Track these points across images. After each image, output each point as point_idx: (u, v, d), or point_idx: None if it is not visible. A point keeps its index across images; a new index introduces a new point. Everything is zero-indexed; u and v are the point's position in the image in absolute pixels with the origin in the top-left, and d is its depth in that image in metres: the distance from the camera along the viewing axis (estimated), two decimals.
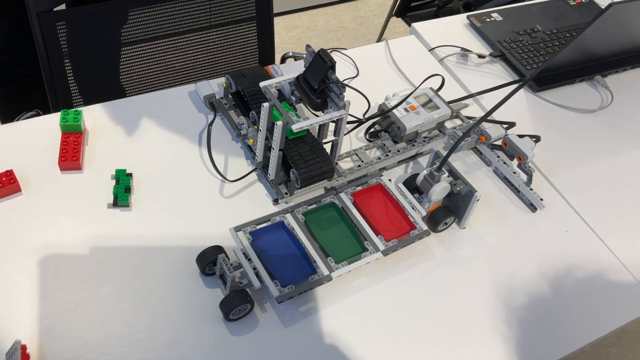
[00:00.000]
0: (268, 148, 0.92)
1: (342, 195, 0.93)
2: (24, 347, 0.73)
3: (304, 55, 0.89)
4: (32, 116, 1.01)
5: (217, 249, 0.83)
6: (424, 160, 1.06)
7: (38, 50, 1.14)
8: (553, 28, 1.37)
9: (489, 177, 1.05)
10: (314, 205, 0.91)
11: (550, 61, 1.20)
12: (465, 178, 0.93)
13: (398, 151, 1.02)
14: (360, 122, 1.06)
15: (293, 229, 0.87)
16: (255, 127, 0.98)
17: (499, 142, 1.04)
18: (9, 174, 0.89)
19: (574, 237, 0.98)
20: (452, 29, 1.35)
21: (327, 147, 0.97)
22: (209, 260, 0.82)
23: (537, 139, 1.09)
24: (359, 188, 0.94)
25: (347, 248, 0.87)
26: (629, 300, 0.91)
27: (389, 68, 1.22)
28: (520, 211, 1.00)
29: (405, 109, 1.03)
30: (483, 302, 0.88)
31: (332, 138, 0.94)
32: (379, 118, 1.05)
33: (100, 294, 0.81)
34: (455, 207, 0.95)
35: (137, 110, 1.04)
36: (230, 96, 1.05)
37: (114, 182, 0.93)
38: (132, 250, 0.86)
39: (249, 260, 0.82)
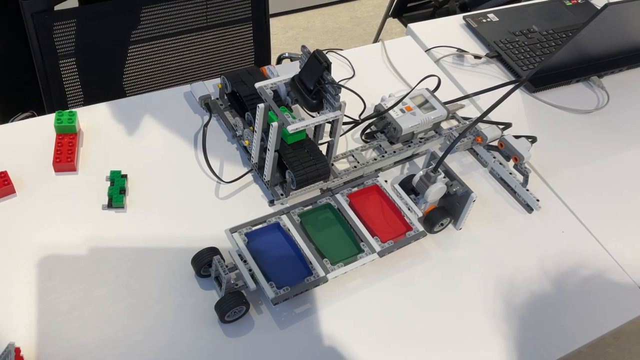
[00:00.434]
0: (264, 149, 0.92)
1: (338, 196, 0.92)
2: (17, 350, 0.73)
3: (300, 56, 0.89)
4: (26, 117, 1.01)
5: (213, 251, 0.83)
6: (420, 161, 1.06)
7: (33, 51, 1.14)
8: (549, 29, 1.37)
9: (485, 178, 1.05)
10: (310, 207, 0.91)
11: (546, 62, 1.20)
12: (461, 179, 0.92)
13: (394, 152, 1.02)
14: (356, 123, 1.06)
15: (289, 230, 0.87)
16: (251, 128, 0.97)
17: (495, 143, 1.04)
18: (3, 175, 0.88)
19: (570, 238, 0.98)
20: (449, 30, 1.35)
21: (323, 148, 0.97)
22: (204, 262, 0.82)
23: (533, 139, 1.09)
24: (355, 189, 0.94)
25: (343, 249, 0.87)
26: (626, 301, 0.91)
27: (385, 69, 1.22)
28: (516, 212, 1.00)
29: (402, 110, 1.02)
30: (479, 303, 0.87)
31: (328, 139, 0.94)
32: (375, 119, 1.05)
33: (95, 296, 0.81)
34: (451, 208, 0.95)
35: (132, 111, 1.04)
36: (225, 97, 1.04)
37: (108, 183, 0.93)
38: (127, 252, 0.86)
39: (245, 261, 0.82)
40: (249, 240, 0.85)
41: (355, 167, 0.98)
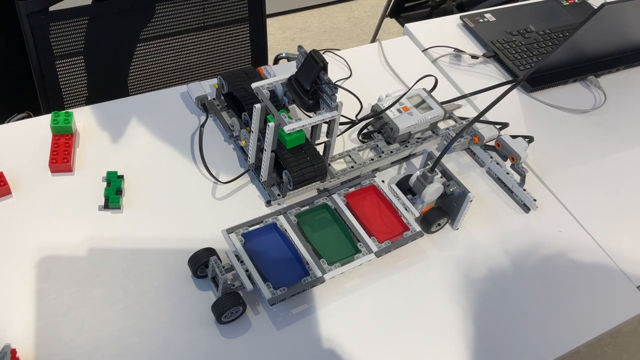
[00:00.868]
0: (260, 149, 0.92)
1: (335, 196, 0.92)
2: (13, 351, 0.72)
3: (297, 56, 0.89)
4: (23, 118, 1.01)
5: (209, 251, 0.83)
6: (417, 161, 1.05)
7: (28, 52, 1.14)
8: (546, 28, 1.37)
9: (482, 178, 1.05)
10: (307, 207, 0.91)
11: (543, 61, 1.20)
12: (458, 179, 0.92)
13: (391, 152, 1.02)
14: (353, 123, 1.06)
15: (285, 230, 0.87)
16: (248, 128, 0.97)
17: (492, 143, 1.04)
18: None
19: (568, 238, 0.98)
20: (446, 30, 1.35)
21: (320, 149, 0.97)
22: (201, 263, 0.82)
23: (530, 139, 1.09)
24: (352, 189, 0.94)
25: (340, 250, 0.87)
26: (623, 301, 0.91)
27: (382, 69, 1.22)
28: (513, 212, 1.00)
29: (398, 110, 1.02)
30: (476, 303, 0.87)
31: (325, 139, 0.93)
32: (372, 119, 1.05)
33: (92, 297, 0.80)
34: (448, 208, 0.95)
35: (129, 112, 1.04)
36: (222, 97, 1.04)
37: (105, 184, 0.92)
38: (124, 253, 0.85)
39: (241, 262, 0.82)
40: (246, 241, 0.85)
41: (352, 167, 0.98)
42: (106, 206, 0.89)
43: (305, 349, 0.80)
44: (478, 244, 0.95)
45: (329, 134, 0.92)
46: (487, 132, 1.03)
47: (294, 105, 1.06)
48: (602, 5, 1.08)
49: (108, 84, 1.28)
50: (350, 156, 1.01)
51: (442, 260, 0.92)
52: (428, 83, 1.19)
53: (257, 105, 0.86)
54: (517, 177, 1.02)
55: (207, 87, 1.09)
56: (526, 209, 1.00)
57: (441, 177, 0.92)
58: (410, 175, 0.94)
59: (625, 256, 0.97)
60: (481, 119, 1.08)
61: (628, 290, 0.93)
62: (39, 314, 0.78)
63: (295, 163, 0.89)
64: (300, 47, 0.87)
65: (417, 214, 0.92)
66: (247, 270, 0.81)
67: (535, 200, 0.99)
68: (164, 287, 0.83)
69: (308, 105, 0.86)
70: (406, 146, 1.03)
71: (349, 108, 1.12)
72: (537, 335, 0.85)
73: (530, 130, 1.15)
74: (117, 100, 1.05)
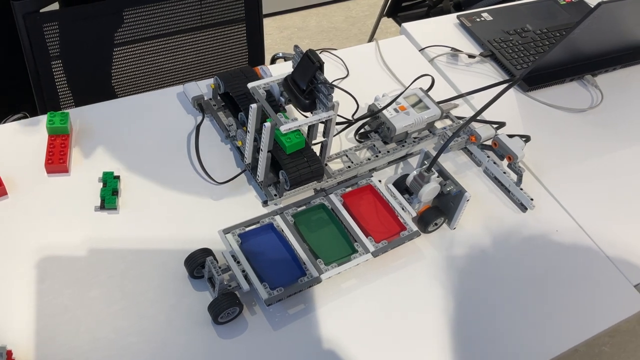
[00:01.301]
0: (257, 149, 0.92)
1: (332, 196, 0.92)
2: (9, 353, 0.72)
3: (293, 56, 0.89)
4: (19, 118, 1.00)
5: (206, 252, 0.83)
6: (414, 161, 1.05)
7: (24, 52, 1.13)
8: (543, 27, 1.37)
9: (479, 177, 1.05)
10: (304, 207, 0.91)
11: (540, 61, 1.19)
12: (454, 178, 0.92)
13: (388, 152, 1.01)
14: (349, 123, 1.06)
15: (282, 230, 0.87)
16: (244, 128, 0.97)
17: (489, 142, 1.04)
18: None
19: (565, 237, 0.98)
20: (443, 29, 1.35)
21: (317, 148, 0.96)
22: (197, 263, 0.81)
23: (527, 138, 1.09)
24: (349, 189, 0.94)
25: (337, 250, 0.87)
26: (621, 300, 0.91)
27: (379, 68, 1.22)
28: (510, 211, 1.00)
29: (395, 110, 1.02)
30: (473, 303, 0.87)
31: (322, 139, 0.93)
32: (368, 119, 1.05)
33: (89, 298, 0.80)
34: (445, 208, 0.95)
35: (125, 112, 1.04)
36: (218, 97, 1.04)
37: (101, 184, 0.92)
38: (120, 254, 0.85)
39: (238, 262, 0.82)
40: (243, 241, 0.85)
41: (349, 167, 0.98)
42: (102, 207, 0.89)
43: (302, 349, 0.79)
44: (475, 244, 0.95)
45: (325, 133, 0.92)
46: (484, 132, 1.03)
47: (291, 105, 1.06)
48: (599, 5, 1.08)
49: (104, 84, 1.27)
50: (347, 156, 1.00)
51: (439, 259, 0.92)
52: (425, 82, 1.19)
53: (253, 106, 0.86)
54: (514, 177, 1.02)
55: (204, 87, 1.09)
56: (523, 208, 1.00)
57: (438, 177, 0.92)
58: (407, 175, 0.94)
59: (623, 255, 0.97)
60: (478, 118, 1.08)
61: (625, 289, 0.93)
62: (35, 315, 0.78)
63: (292, 163, 0.89)
64: (296, 46, 0.86)
65: (414, 214, 0.92)
66: (243, 271, 0.81)
67: (532, 199, 0.99)
68: (160, 288, 0.82)
69: (304, 105, 0.86)
70: (403, 146, 1.03)
71: (345, 108, 1.12)
72: (535, 334, 0.85)
73: (527, 130, 1.15)
74: (114, 101, 1.05)
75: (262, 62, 1.43)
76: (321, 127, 0.94)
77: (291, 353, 0.79)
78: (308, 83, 0.84)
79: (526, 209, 1.00)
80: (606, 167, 1.11)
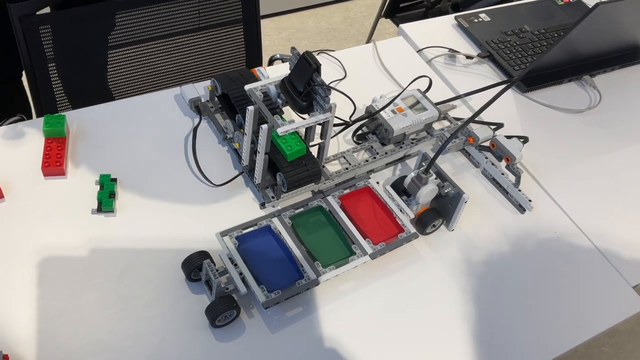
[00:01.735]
0: (254, 151, 0.91)
1: (330, 198, 0.92)
2: (5, 357, 0.72)
3: (290, 58, 0.88)
4: (15, 121, 1.00)
5: (203, 255, 0.82)
6: (412, 162, 1.05)
7: (21, 55, 1.13)
8: (541, 28, 1.37)
9: (478, 179, 1.04)
10: (301, 209, 0.91)
11: (538, 61, 1.19)
12: (452, 180, 0.92)
13: (386, 153, 1.01)
14: (347, 124, 1.06)
15: (280, 233, 0.86)
16: (242, 130, 0.97)
17: (487, 144, 1.04)
18: None
19: (563, 238, 0.98)
20: (440, 30, 1.35)
21: (314, 150, 0.96)
22: (195, 266, 0.81)
23: (525, 139, 1.08)
24: (347, 191, 0.94)
25: (335, 252, 0.87)
26: (619, 301, 0.91)
27: (377, 69, 1.22)
28: (508, 213, 1.00)
29: (393, 111, 1.02)
30: (472, 304, 0.87)
31: (319, 141, 0.93)
32: (366, 120, 1.05)
33: (85, 301, 0.80)
34: (443, 210, 0.94)
35: (122, 114, 1.03)
36: (216, 99, 1.04)
37: (98, 187, 0.92)
38: (117, 257, 0.85)
39: (235, 265, 0.82)
40: (240, 244, 0.85)
41: (346, 168, 0.98)
42: (99, 210, 0.89)
43: (299, 352, 0.79)
44: (473, 245, 0.94)
45: (322, 135, 0.92)
46: (482, 133, 1.02)
47: (288, 107, 1.06)
48: (597, 5, 1.07)
49: (102, 86, 1.27)
50: (344, 157, 1.00)
51: (437, 261, 0.91)
52: (423, 84, 1.19)
53: (250, 108, 0.86)
54: (512, 178, 1.02)
55: (201, 89, 1.09)
56: (521, 209, 1.00)
57: (436, 179, 0.92)
58: (405, 177, 0.94)
59: (621, 256, 0.97)
60: (476, 119, 1.07)
61: (624, 290, 0.92)
62: (31, 319, 0.77)
63: (290, 165, 0.89)
64: (293, 48, 0.86)
65: (412, 216, 0.92)
66: (241, 274, 0.80)
67: (530, 200, 0.98)
68: (157, 291, 0.82)
69: (301, 107, 0.86)
70: (401, 147, 1.03)
71: (343, 109, 1.11)
72: (533, 336, 0.85)
73: (525, 131, 1.15)
74: (110, 103, 1.05)
75: (260, 64, 1.43)
76: (318, 128, 0.94)
77: (289, 356, 0.79)
78: (305, 85, 0.84)
79: (524, 210, 1.00)
80: (605, 168, 1.11)
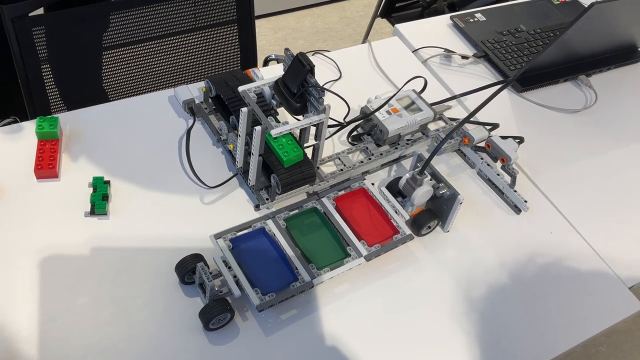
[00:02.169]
0: (248, 153, 0.91)
1: (324, 200, 0.91)
2: None
3: (284, 59, 0.88)
4: (8, 123, 0.99)
5: (197, 257, 0.82)
6: (407, 163, 1.05)
7: (14, 56, 1.12)
8: (537, 28, 1.37)
9: (473, 179, 1.04)
10: (296, 211, 0.90)
11: (533, 61, 1.19)
12: (447, 181, 0.92)
13: (381, 154, 1.01)
14: (341, 126, 1.05)
15: (274, 235, 0.86)
16: (236, 132, 0.96)
17: (483, 144, 1.03)
18: None
19: (559, 239, 0.97)
20: (436, 30, 1.35)
21: (309, 152, 0.96)
22: (188, 269, 0.81)
23: (520, 140, 1.08)
24: (342, 192, 0.93)
25: (329, 254, 0.86)
26: (615, 302, 0.91)
27: (372, 70, 1.21)
28: (504, 213, 1.00)
29: (388, 112, 1.02)
30: (468, 306, 0.87)
31: (314, 142, 0.93)
32: (361, 121, 1.04)
33: (78, 305, 0.79)
34: (438, 211, 0.94)
35: (116, 116, 1.03)
36: (210, 100, 1.03)
37: (91, 190, 0.91)
38: (110, 260, 0.84)
39: (229, 268, 0.81)
40: (234, 246, 0.84)
41: (341, 170, 0.97)
42: (92, 212, 0.88)
43: (294, 355, 0.79)
44: (469, 246, 0.94)
45: (317, 137, 0.91)
46: (477, 134, 1.02)
47: (283, 108, 1.05)
48: (592, 5, 1.07)
49: (95, 87, 1.27)
50: (339, 159, 1.00)
51: (432, 263, 0.91)
52: (418, 84, 1.18)
53: (244, 109, 0.85)
54: (508, 179, 1.01)
55: (195, 90, 1.08)
56: (517, 210, 1.00)
57: (431, 180, 0.92)
58: (400, 178, 0.93)
59: (617, 257, 0.97)
60: (471, 120, 1.07)
61: (620, 291, 0.92)
62: (23, 323, 0.77)
63: (284, 167, 0.88)
64: (287, 49, 0.86)
65: (407, 217, 0.91)
66: (235, 276, 0.80)
67: (526, 201, 0.98)
68: (151, 294, 0.82)
69: (295, 108, 0.85)
70: (396, 148, 1.02)
71: (338, 110, 1.11)
72: (529, 337, 0.85)
73: (521, 131, 1.14)
74: (104, 105, 1.04)
75: (255, 64, 1.42)
76: (313, 130, 0.94)
77: (283, 359, 0.78)
78: (299, 86, 0.83)
79: (520, 211, 1.00)
80: (601, 168, 1.10)
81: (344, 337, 0.81)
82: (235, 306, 0.82)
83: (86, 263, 0.83)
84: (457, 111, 1.16)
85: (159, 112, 1.05)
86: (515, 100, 1.21)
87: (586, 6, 1.09)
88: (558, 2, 1.45)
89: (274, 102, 0.89)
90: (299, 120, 0.85)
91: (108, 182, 0.92)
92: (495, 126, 1.10)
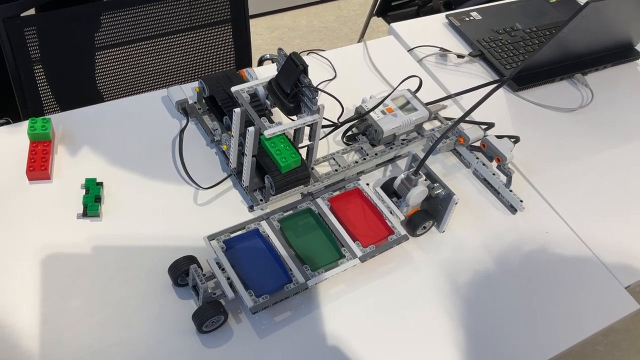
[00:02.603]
0: (242, 154, 0.90)
1: (319, 200, 0.91)
2: None
3: (277, 58, 0.87)
4: (1, 124, 0.98)
5: (190, 259, 0.81)
6: (402, 163, 1.04)
7: (6, 57, 1.12)
8: (532, 26, 1.36)
9: (469, 179, 1.03)
10: (290, 212, 0.89)
11: (529, 60, 1.18)
12: (442, 181, 0.91)
13: (376, 154, 1.00)
14: (335, 126, 1.05)
15: (268, 236, 0.85)
16: (229, 132, 0.96)
17: (478, 144, 1.03)
18: None
19: (555, 239, 0.97)
20: (431, 29, 1.34)
21: (303, 152, 0.95)
22: (181, 271, 0.80)
23: (516, 139, 1.08)
24: (336, 193, 0.93)
25: (324, 255, 0.86)
26: (612, 301, 0.90)
27: (367, 69, 1.21)
28: (500, 213, 0.99)
29: (383, 112, 1.01)
30: (464, 306, 0.86)
31: (308, 142, 0.92)
32: (356, 121, 1.03)
33: (70, 307, 0.79)
34: (434, 211, 0.93)
35: (108, 117, 1.02)
36: (203, 101, 1.02)
37: (83, 191, 0.91)
38: (103, 262, 0.84)
39: (223, 269, 0.80)
40: (228, 248, 0.84)
41: (336, 170, 0.97)
42: (85, 214, 0.88)
43: (289, 357, 0.78)
44: (464, 246, 0.93)
45: (311, 137, 0.91)
46: (473, 133, 1.01)
47: (277, 109, 1.04)
48: (587, 3, 1.07)
49: (88, 88, 1.26)
50: (334, 159, 0.99)
51: (428, 263, 0.90)
52: (413, 83, 1.18)
53: (237, 110, 0.85)
54: (504, 178, 1.01)
55: (189, 90, 1.07)
56: (513, 210, 0.99)
57: (425, 180, 0.91)
58: (395, 178, 0.93)
59: (614, 256, 0.96)
60: (467, 119, 1.06)
61: (616, 291, 0.92)
62: (14, 326, 0.76)
63: (278, 169, 0.88)
64: (280, 49, 0.85)
65: (402, 217, 0.91)
66: (228, 278, 0.79)
67: (521, 201, 0.97)
68: (144, 296, 0.81)
69: (289, 108, 0.85)
70: (391, 148, 1.02)
71: (333, 110, 1.10)
72: (525, 337, 0.84)
73: (517, 130, 1.14)
74: (96, 105, 1.04)
75: (250, 64, 1.42)
76: (307, 130, 0.93)
77: None
78: (292, 86, 0.83)
79: (516, 210, 0.99)
80: (597, 167, 1.10)
81: (339, 339, 0.81)
82: (229, 308, 0.81)
83: (79, 265, 0.83)
84: (452, 110, 1.15)
85: (152, 112, 1.04)
86: (511, 100, 1.20)
87: (582, 4, 1.09)
88: (554, 1, 1.45)
89: (268, 102, 0.89)
90: (293, 120, 0.85)
91: (101, 184, 0.91)
92: (490, 125, 1.10)
